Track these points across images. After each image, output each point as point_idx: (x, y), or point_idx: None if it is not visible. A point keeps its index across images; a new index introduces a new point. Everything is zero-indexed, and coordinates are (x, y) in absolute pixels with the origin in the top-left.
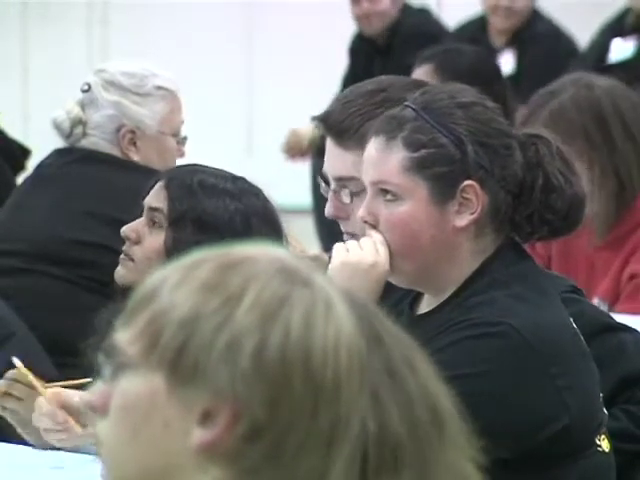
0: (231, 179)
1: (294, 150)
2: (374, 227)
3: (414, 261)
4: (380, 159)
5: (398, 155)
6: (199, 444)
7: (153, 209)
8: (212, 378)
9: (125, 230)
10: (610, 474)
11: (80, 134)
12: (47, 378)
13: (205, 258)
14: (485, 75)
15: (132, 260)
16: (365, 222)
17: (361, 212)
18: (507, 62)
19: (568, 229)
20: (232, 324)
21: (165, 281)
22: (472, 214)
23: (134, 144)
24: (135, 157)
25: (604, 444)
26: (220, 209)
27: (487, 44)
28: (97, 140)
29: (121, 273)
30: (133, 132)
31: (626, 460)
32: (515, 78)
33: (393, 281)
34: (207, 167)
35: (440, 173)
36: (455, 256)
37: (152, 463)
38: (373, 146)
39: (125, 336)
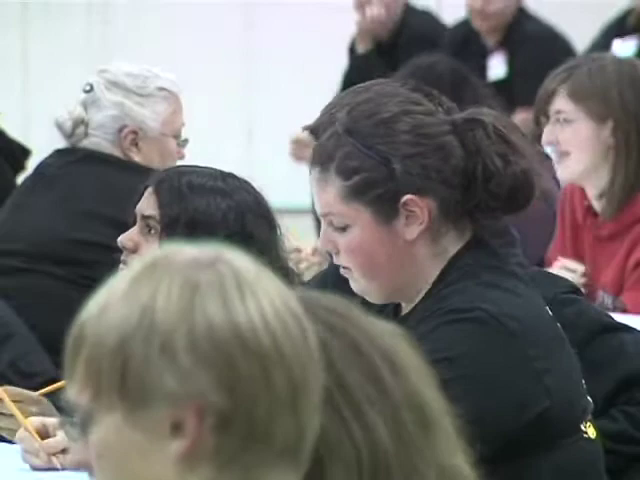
0: (220, 176)
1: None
2: (337, 254)
3: (380, 280)
4: (320, 191)
5: (334, 186)
6: (178, 456)
7: (146, 217)
8: (162, 389)
9: (122, 240)
10: (597, 461)
11: (82, 134)
12: (47, 378)
13: (118, 277)
14: (451, 81)
15: None
16: (328, 251)
17: (320, 242)
18: (498, 64)
19: (517, 208)
20: (157, 330)
21: (86, 319)
22: (421, 224)
23: (135, 145)
24: (136, 158)
25: (590, 431)
26: (212, 208)
27: (479, 45)
28: (99, 140)
29: None
30: (135, 133)
31: (624, 462)
32: (507, 80)
33: (369, 300)
34: (194, 167)
35: (377, 195)
36: (417, 264)
37: None
38: (313, 177)
39: (74, 389)
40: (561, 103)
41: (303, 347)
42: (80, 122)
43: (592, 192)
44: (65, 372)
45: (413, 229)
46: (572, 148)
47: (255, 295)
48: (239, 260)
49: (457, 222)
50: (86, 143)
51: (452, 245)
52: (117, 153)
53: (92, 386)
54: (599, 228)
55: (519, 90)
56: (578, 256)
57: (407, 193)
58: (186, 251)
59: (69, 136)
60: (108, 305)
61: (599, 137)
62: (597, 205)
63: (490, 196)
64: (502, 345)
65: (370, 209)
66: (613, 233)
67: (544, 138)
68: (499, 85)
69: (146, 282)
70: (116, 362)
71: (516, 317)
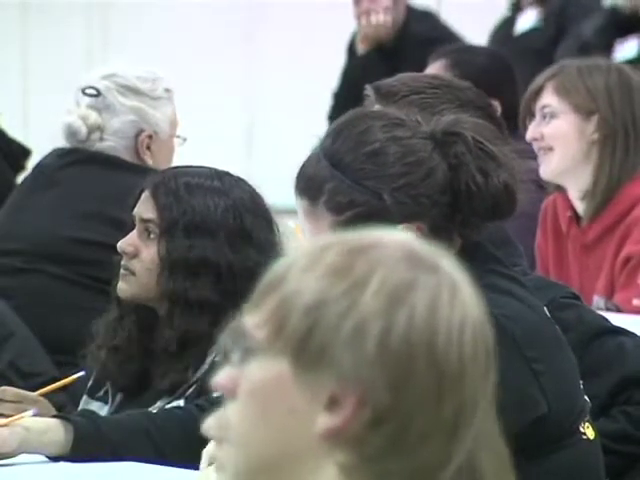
0: (216, 175)
1: None
2: None
3: None
4: (311, 225)
5: (325, 221)
6: (325, 430)
7: (145, 220)
8: (337, 363)
9: (121, 245)
10: (596, 462)
11: (97, 139)
12: (47, 378)
13: (332, 242)
14: (494, 77)
15: (133, 274)
16: None
17: None
18: None
19: (500, 219)
20: (358, 309)
21: (293, 265)
22: None
23: (148, 148)
24: (149, 161)
25: (589, 432)
26: (210, 208)
27: None
28: (113, 145)
29: (124, 288)
30: (150, 137)
31: (624, 462)
32: None
33: None
34: (189, 168)
35: (369, 227)
36: None
37: (277, 448)
38: (300, 208)
39: (253, 320)
40: (547, 98)
41: (484, 374)
42: (96, 128)
43: (574, 193)
44: (252, 297)
45: None
46: (556, 143)
47: (464, 310)
48: (457, 271)
49: (446, 235)
50: (99, 147)
51: None
52: (129, 157)
53: (273, 328)
54: (584, 235)
55: None
56: (562, 266)
57: (399, 222)
58: (414, 242)
59: (83, 142)
60: (320, 262)
61: (583, 132)
62: (580, 207)
63: (473, 212)
64: (502, 347)
65: None
66: (598, 236)
67: (528, 134)
68: None
69: (366, 257)
70: (306, 321)
71: (515, 319)
